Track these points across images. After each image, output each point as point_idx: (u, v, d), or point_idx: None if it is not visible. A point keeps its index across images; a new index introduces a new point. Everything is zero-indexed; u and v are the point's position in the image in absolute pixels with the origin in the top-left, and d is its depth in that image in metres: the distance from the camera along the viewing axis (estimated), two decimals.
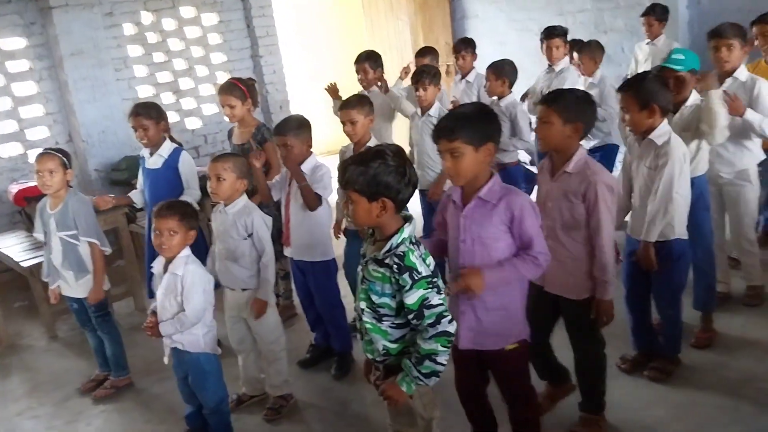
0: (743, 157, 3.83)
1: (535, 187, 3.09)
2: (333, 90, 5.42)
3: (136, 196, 4.39)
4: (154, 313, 3.14)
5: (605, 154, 5.04)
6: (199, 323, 3.10)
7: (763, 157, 3.95)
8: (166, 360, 3.21)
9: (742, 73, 3.78)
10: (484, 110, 2.58)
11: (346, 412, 3.59)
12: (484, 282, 2.46)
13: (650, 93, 3.10)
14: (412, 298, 2.24)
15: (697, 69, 3.48)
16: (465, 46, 5.95)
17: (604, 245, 2.80)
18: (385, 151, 2.28)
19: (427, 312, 2.25)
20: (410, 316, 2.28)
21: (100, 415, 3.86)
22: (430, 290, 2.25)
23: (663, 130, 3.14)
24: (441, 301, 2.27)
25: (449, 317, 2.28)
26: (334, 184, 3.23)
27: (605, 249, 2.80)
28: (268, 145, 4.28)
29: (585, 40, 5.52)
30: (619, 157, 4.73)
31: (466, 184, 2.56)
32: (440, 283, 2.31)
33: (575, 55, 5.37)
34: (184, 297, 3.05)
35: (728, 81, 3.77)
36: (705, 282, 3.73)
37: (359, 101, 3.93)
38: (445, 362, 2.30)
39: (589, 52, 5.28)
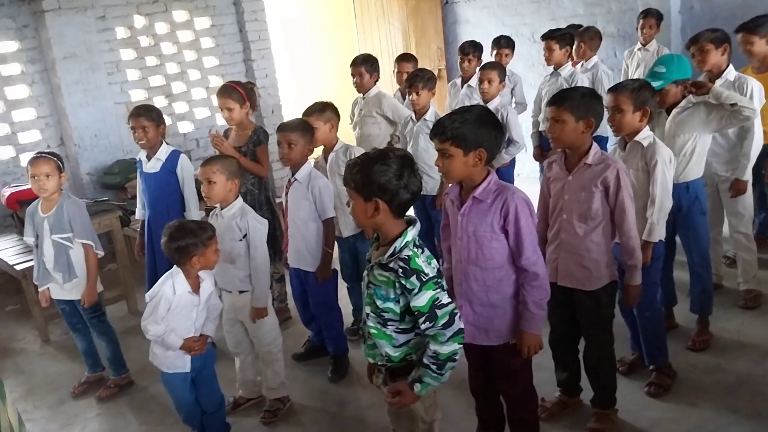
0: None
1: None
2: None
3: (139, 213, 4.44)
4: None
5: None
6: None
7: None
8: (188, 369, 3.16)
9: (731, 73, 3.92)
10: (484, 117, 2.56)
11: (343, 414, 3.58)
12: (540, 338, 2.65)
13: (645, 96, 3.16)
14: (421, 301, 2.23)
15: (682, 77, 3.49)
16: (473, 49, 5.67)
17: (630, 229, 2.86)
18: (388, 153, 2.29)
19: (439, 312, 2.24)
20: (421, 320, 2.26)
21: (96, 418, 3.84)
22: (438, 291, 2.25)
23: (647, 133, 3.21)
24: (450, 300, 2.28)
25: (459, 313, 2.30)
26: None
27: (631, 233, 2.87)
28: (261, 147, 4.31)
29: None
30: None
31: (464, 183, 2.61)
32: (444, 283, 2.31)
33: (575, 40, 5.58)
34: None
35: (718, 81, 3.88)
36: (701, 286, 3.75)
37: (321, 108, 3.96)
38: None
39: (589, 38, 5.56)
